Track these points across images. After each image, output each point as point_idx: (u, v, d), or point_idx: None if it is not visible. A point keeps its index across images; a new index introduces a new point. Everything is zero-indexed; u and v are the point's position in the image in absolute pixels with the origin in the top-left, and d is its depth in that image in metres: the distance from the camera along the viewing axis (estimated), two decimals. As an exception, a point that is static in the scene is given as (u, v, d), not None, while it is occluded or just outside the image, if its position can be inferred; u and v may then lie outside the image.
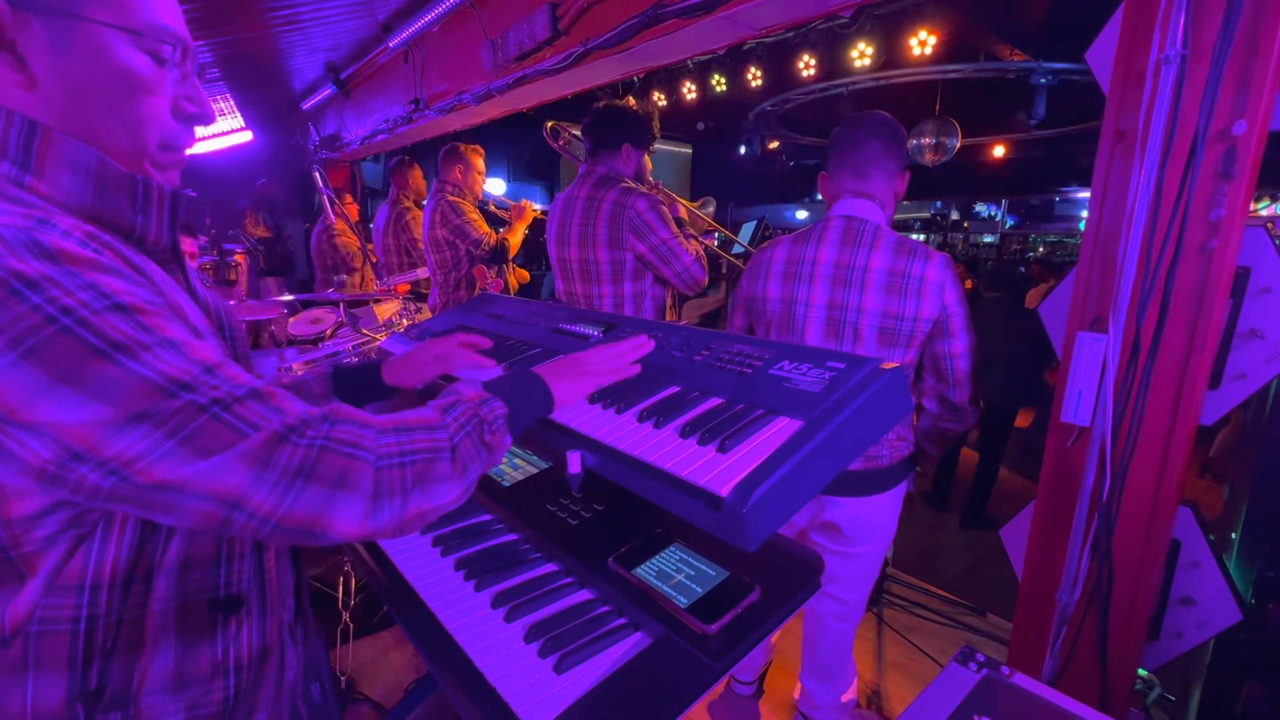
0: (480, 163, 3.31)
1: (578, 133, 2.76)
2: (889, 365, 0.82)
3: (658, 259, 2.03)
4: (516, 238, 3.23)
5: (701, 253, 2.12)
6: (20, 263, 0.50)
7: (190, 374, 0.54)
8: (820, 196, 1.68)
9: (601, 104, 2.16)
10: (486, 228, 3.19)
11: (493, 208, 3.34)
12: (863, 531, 1.59)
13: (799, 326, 1.53)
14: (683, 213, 2.73)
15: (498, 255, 3.17)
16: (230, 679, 0.69)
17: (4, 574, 0.57)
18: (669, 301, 2.27)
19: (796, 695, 1.89)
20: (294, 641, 0.81)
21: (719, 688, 2.03)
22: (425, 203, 3.32)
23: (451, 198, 3.17)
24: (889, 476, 1.55)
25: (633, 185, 2.06)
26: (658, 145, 2.36)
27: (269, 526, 0.55)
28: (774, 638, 2.13)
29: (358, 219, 4.68)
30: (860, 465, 1.52)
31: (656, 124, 2.23)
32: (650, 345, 0.98)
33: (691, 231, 2.64)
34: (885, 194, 1.54)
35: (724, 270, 3.70)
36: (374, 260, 3.98)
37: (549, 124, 2.89)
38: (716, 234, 3.00)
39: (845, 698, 1.81)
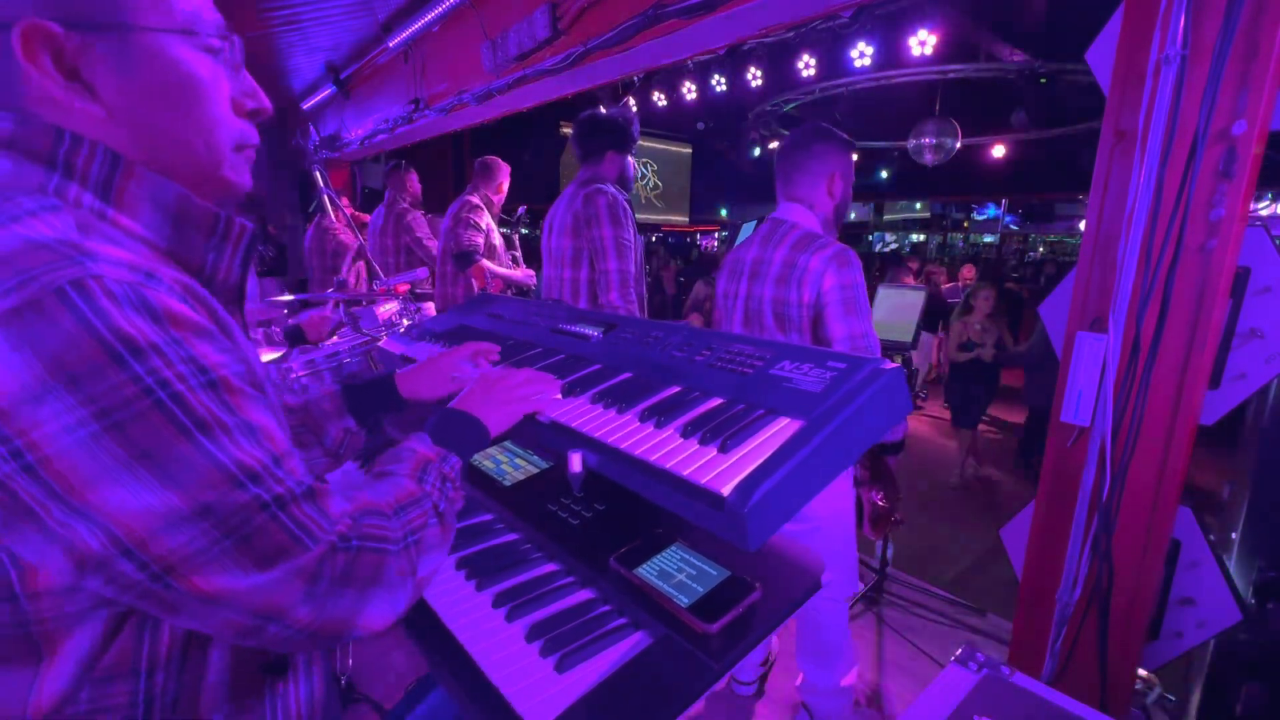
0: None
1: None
2: (890, 365, 0.82)
3: (591, 251, 2.28)
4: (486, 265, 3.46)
5: (633, 277, 2.30)
6: (129, 325, 0.47)
7: (261, 463, 0.52)
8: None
9: (584, 114, 2.41)
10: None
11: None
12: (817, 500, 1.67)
13: (730, 316, 1.77)
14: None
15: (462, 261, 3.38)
16: None
17: (18, 651, 0.51)
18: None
19: (798, 684, 1.90)
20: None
21: (718, 687, 2.03)
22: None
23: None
24: None
25: (604, 187, 2.30)
26: (658, 145, 2.44)
27: (302, 636, 0.53)
28: (774, 639, 2.13)
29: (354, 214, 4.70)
30: None
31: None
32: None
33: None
34: (813, 195, 1.69)
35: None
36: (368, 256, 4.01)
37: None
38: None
39: (844, 682, 1.82)
